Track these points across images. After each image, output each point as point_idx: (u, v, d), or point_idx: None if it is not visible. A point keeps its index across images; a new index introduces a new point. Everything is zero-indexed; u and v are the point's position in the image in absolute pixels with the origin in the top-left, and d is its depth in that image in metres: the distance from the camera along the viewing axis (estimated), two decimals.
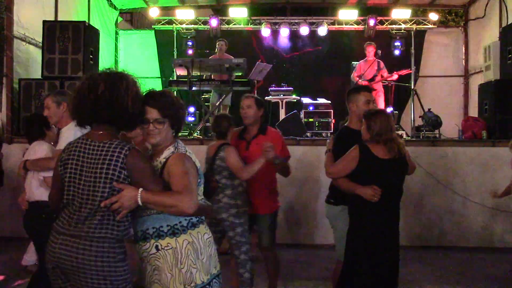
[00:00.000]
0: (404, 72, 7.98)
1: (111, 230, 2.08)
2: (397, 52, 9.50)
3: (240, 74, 7.41)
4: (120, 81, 2.13)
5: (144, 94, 2.29)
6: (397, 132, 5.72)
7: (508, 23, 7.02)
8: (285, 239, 6.12)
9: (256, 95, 4.03)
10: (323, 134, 7.48)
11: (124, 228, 2.14)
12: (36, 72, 6.61)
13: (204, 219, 2.39)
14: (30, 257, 4.73)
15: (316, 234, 6.20)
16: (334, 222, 3.60)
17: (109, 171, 2.06)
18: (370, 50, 7.91)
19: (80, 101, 2.13)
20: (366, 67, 7.90)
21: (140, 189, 2.07)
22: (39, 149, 3.60)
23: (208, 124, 6.88)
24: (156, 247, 2.22)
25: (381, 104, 7.71)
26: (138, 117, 2.21)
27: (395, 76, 7.77)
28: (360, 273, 3.10)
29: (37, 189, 3.53)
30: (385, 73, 7.92)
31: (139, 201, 2.06)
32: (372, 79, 7.84)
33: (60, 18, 7.38)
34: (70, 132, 3.26)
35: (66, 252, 2.05)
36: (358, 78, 7.85)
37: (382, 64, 7.97)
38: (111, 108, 2.10)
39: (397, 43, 9.46)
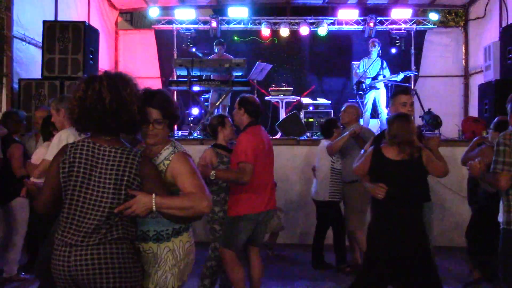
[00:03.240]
0: (409, 73, 7.99)
1: (125, 230, 2.07)
2: (397, 52, 9.49)
3: (240, 74, 7.42)
4: (124, 88, 2.07)
5: (141, 93, 2.25)
6: None
7: (508, 23, 7.01)
8: (285, 239, 6.13)
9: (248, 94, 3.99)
10: None
11: (135, 229, 2.16)
12: (36, 72, 6.60)
13: (189, 227, 2.38)
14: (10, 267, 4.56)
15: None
16: None
17: (124, 177, 2.04)
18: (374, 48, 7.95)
19: (86, 112, 2.06)
20: (368, 65, 7.91)
21: (153, 195, 2.05)
22: (39, 152, 3.67)
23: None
24: (138, 249, 2.23)
25: (383, 103, 7.71)
26: (142, 120, 2.18)
27: (400, 76, 7.73)
28: (374, 266, 3.28)
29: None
30: (387, 72, 7.91)
31: (153, 207, 2.05)
32: (375, 78, 7.85)
33: (60, 18, 7.37)
34: (56, 140, 3.28)
35: (84, 263, 1.99)
36: (359, 75, 7.87)
37: (385, 64, 7.97)
38: (119, 118, 2.06)
39: (397, 43, 9.45)
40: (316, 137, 6.99)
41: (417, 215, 3.28)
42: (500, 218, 3.14)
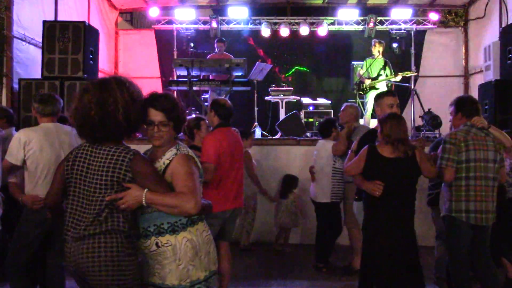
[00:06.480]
0: (408, 74, 7.98)
1: (117, 222, 2.17)
2: (397, 52, 9.48)
3: (240, 74, 7.40)
4: (108, 97, 2.18)
5: (147, 96, 2.35)
6: None
7: (508, 23, 7.01)
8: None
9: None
10: None
11: (129, 222, 2.22)
12: (36, 72, 6.60)
13: (203, 217, 2.44)
14: None
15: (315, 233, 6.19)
16: (360, 217, 3.91)
17: (114, 173, 2.17)
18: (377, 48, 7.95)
19: (80, 125, 2.25)
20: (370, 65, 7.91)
21: (145, 190, 2.15)
22: None
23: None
24: (156, 244, 2.28)
25: None
26: (136, 123, 2.27)
27: (398, 77, 7.73)
28: (371, 265, 3.41)
29: None
30: (388, 73, 7.90)
31: (143, 201, 2.15)
32: (376, 78, 7.85)
33: (60, 18, 7.37)
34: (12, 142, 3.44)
35: (80, 256, 2.15)
36: (361, 75, 7.87)
37: (387, 64, 7.97)
38: (104, 129, 2.19)
39: (397, 43, 9.44)
40: (316, 137, 6.99)
41: (410, 213, 3.41)
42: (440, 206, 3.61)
